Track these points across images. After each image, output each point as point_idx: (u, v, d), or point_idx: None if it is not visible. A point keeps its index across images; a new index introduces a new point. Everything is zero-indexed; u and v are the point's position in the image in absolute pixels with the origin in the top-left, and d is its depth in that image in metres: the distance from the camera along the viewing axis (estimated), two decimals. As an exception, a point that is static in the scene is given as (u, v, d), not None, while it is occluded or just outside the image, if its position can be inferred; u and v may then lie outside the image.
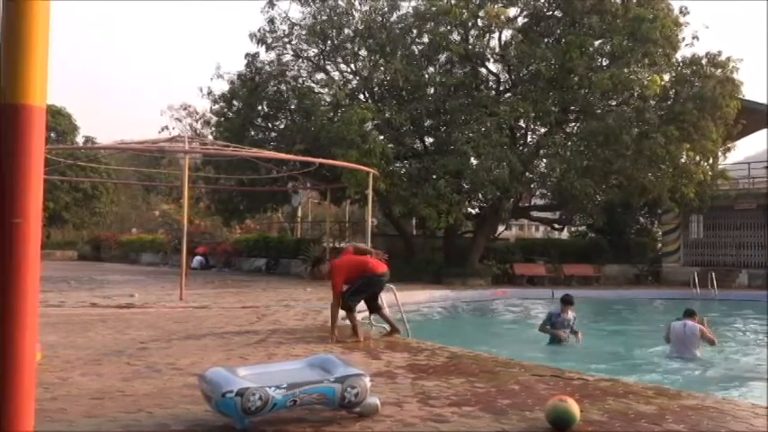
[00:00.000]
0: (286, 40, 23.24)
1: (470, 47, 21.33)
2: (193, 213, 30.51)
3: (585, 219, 26.00)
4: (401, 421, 4.23)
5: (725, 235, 25.16)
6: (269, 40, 22.95)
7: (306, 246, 23.67)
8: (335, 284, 7.84)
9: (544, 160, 22.13)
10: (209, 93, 24.44)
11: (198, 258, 27.63)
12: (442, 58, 22.07)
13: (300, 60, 23.72)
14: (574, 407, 4.10)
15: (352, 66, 23.33)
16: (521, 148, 21.94)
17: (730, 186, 25.03)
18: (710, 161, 22.17)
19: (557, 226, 28.98)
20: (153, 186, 41.93)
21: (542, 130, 22.72)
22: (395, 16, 22.53)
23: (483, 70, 22.63)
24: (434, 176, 19.99)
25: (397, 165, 21.62)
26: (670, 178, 20.31)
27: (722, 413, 4.63)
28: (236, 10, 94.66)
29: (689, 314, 9.48)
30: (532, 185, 23.01)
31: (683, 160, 20.81)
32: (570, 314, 10.47)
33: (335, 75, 23.71)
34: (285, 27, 23.10)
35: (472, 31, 21.60)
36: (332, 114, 21.28)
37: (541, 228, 43.96)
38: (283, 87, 23.25)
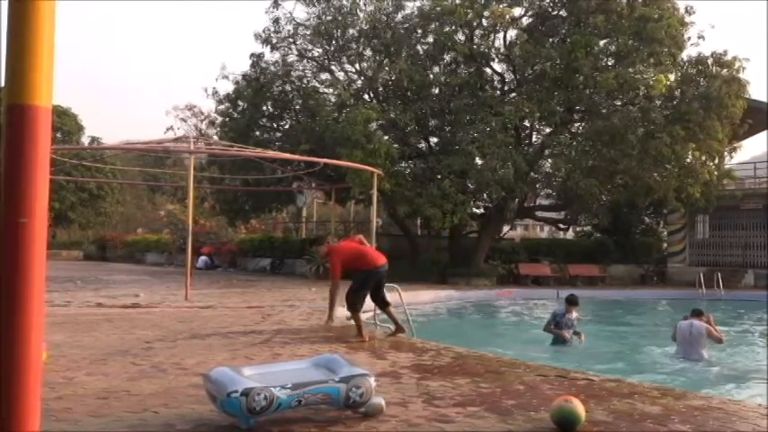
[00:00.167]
0: (291, 40, 23.30)
1: (475, 47, 21.32)
2: (198, 213, 30.58)
3: (591, 219, 25.91)
4: (406, 421, 4.23)
5: (731, 235, 25.06)
6: (274, 41, 23.02)
7: (309, 245, 23.67)
8: (334, 266, 8.08)
9: (549, 160, 22.12)
10: (215, 93, 24.59)
11: (203, 258, 27.69)
12: (447, 57, 22.08)
13: (305, 60, 23.80)
14: (579, 407, 4.09)
15: (357, 66, 23.33)
16: (526, 147, 21.93)
17: (736, 186, 24.93)
18: (716, 161, 22.08)
19: (562, 226, 28.94)
20: (158, 186, 42.06)
21: (547, 129, 22.70)
22: (400, 16, 22.54)
23: (488, 70, 22.60)
24: (439, 176, 19.97)
25: (402, 165, 21.61)
26: (676, 178, 20.22)
27: (728, 414, 4.62)
28: (240, 10, 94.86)
29: (696, 314, 9.43)
30: (537, 185, 23.01)
31: (688, 160, 20.72)
32: (575, 314, 10.47)
33: (340, 75, 23.77)
34: (290, 27, 23.20)
35: (477, 31, 21.57)
36: (337, 114, 21.27)
37: (546, 228, 43.84)
38: (288, 87, 23.32)
